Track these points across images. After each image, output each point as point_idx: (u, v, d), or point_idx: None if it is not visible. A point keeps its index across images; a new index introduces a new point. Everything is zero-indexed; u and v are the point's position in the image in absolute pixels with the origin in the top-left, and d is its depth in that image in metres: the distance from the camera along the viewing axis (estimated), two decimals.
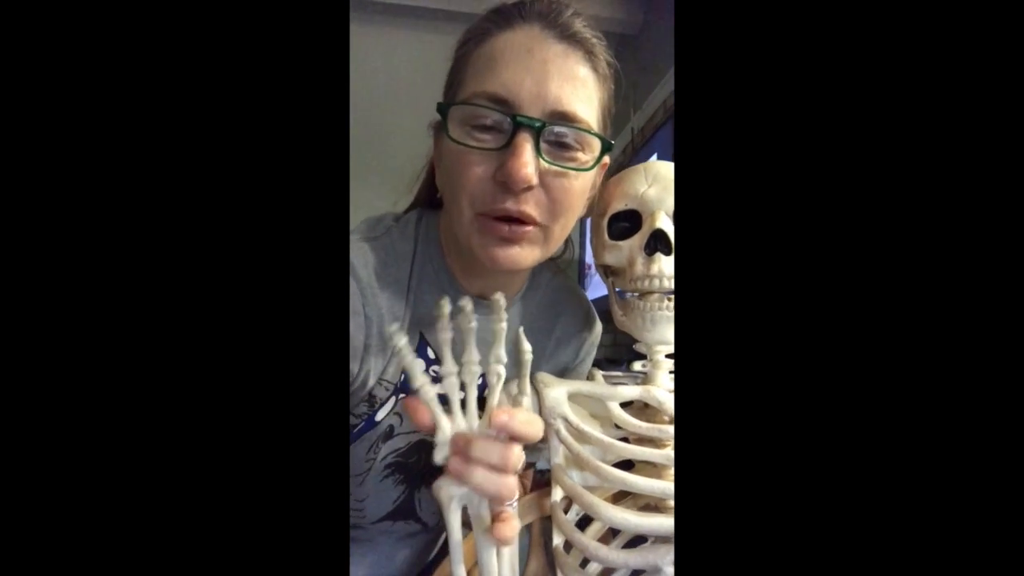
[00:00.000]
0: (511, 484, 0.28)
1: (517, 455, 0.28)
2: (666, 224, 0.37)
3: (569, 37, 0.37)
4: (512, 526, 0.28)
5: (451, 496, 0.27)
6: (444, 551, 0.31)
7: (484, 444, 0.27)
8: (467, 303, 0.26)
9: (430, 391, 0.27)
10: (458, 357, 0.28)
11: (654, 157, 1.55)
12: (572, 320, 0.51)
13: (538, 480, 0.52)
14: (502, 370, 0.28)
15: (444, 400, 0.28)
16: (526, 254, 0.38)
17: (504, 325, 0.27)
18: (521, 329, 0.28)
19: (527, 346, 0.28)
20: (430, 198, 0.48)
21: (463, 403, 0.29)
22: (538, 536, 0.40)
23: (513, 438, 0.28)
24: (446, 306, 0.26)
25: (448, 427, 0.27)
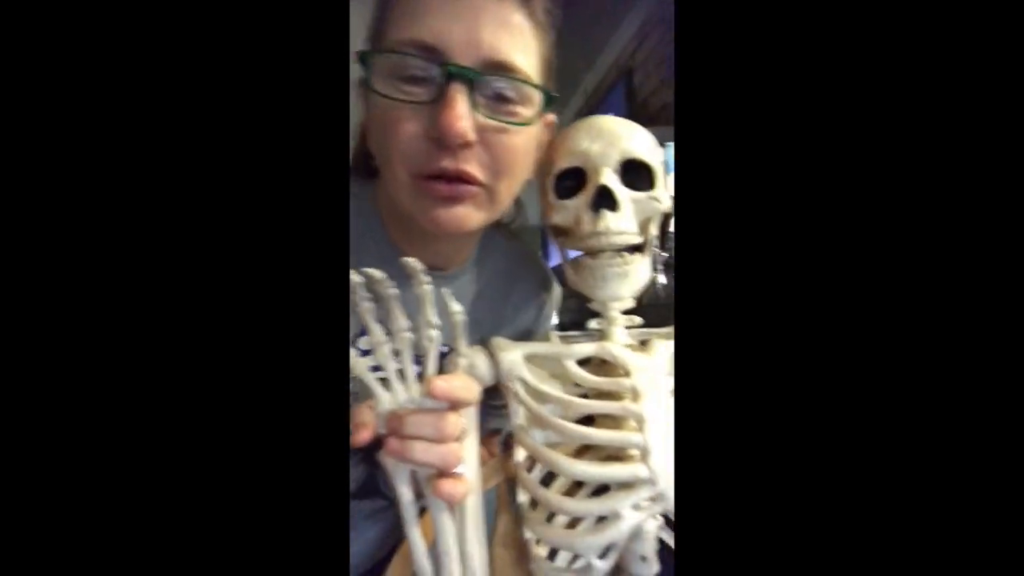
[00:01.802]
0: (453, 451, 0.28)
1: (453, 423, 0.28)
2: (611, 180, 0.36)
3: None
4: (457, 484, 0.28)
5: (397, 464, 0.27)
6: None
7: (417, 418, 0.27)
8: (374, 272, 0.25)
9: (360, 363, 0.26)
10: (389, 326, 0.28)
11: None
12: (529, 285, 0.51)
13: (505, 444, 0.53)
14: (435, 334, 0.28)
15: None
16: (471, 214, 0.36)
17: (428, 288, 0.27)
18: (446, 291, 0.28)
19: (456, 306, 0.27)
20: (367, 164, 0.45)
21: (401, 373, 0.28)
22: (505, 497, 0.41)
23: (451, 405, 0.28)
24: (355, 277, 0.25)
25: (387, 398, 0.27)
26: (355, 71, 0.36)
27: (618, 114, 0.41)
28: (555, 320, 0.57)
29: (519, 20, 0.35)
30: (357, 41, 0.35)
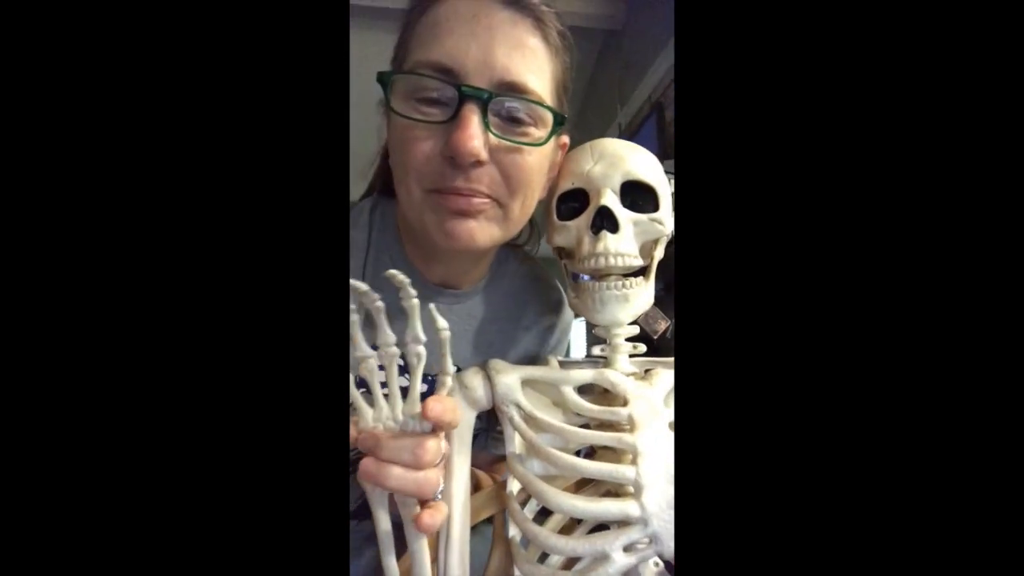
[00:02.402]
0: (430, 479, 0.27)
1: (433, 449, 0.27)
2: (611, 201, 0.36)
3: (515, 4, 0.35)
4: (435, 513, 0.27)
5: (374, 487, 0.26)
6: (405, 546, 0.30)
7: (395, 443, 0.26)
8: (359, 284, 0.25)
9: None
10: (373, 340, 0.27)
11: None
12: (540, 308, 0.50)
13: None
14: (421, 350, 0.27)
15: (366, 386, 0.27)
16: (484, 230, 0.36)
17: (415, 302, 0.26)
18: (432, 307, 0.27)
19: (442, 322, 0.27)
20: (386, 184, 0.46)
21: (386, 389, 0.28)
22: (500, 530, 0.39)
23: (434, 428, 0.27)
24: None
25: (369, 413, 0.26)
26: (376, 91, 0.38)
27: (649, 145, 0.40)
28: (583, 343, 0.55)
29: (534, 43, 0.36)
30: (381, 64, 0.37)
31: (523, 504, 0.36)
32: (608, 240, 0.35)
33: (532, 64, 0.35)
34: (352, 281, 0.26)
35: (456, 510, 0.34)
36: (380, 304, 0.26)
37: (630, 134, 1.77)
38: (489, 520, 0.40)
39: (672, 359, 0.38)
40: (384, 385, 0.28)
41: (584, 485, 0.38)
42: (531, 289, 0.50)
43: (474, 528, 0.36)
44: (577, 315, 0.39)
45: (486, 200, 0.35)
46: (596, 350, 0.38)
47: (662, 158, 0.41)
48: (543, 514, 0.36)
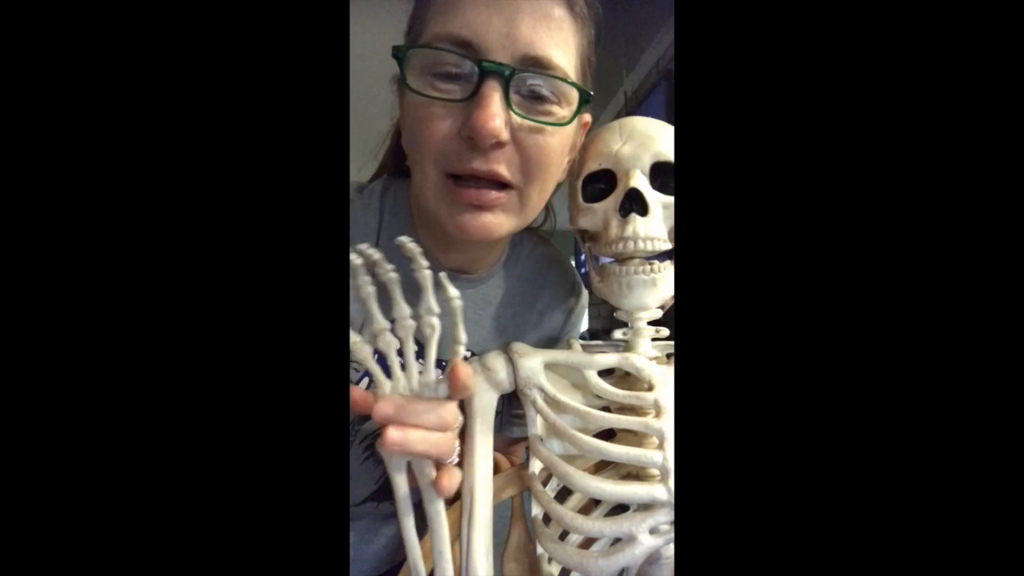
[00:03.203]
0: (450, 441, 0.28)
1: (453, 412, 0.27)
2: (641, 183, 0.34)
3: None
4: (452, 477, 0.28)
5: (394, 454, 0.27)
6: (425, 525, 0.30)
7: (419, 407, 0.26)
8: (373, 252, 0.25)
9: (363, 350, 0.26)
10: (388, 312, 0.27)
11: None
12: (556, 291, 0.50)
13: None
14: (435, 321, 0.27)
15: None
16: (499, 222, 0.35)
17: (427, 273, 0.26)
18: (444, 275, 0.27)
19: (453, 292, 0.27)
20: (397, 165, 0.45)
21: (403, 360, 0.28)
22: (519, 509, 0.39)
23: (451, 394, 0.27)
24: (356, 259, 0.24)
25: (388, 386, 0.27)
26: (388, 66, 0.36)
27: (657, 116, 0.39)
28: (585, 327, 0.55)
29: (559, 14, 0.33)
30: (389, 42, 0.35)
31: (544, 483, 0.36)
32: (638, 223, 0.34)
33: (557, 37, 0.33)
34: (365, 247, 0.25)
35: (480, 490, 0.34)
36: (394, 275, 0.26)
37: (637, 102, 1.72)
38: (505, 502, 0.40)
39: None
40: (400, 356, 0.28)
41: (602, 467, 0.38)
42: (546, 272, 0.49)
43: None
44: (602, 299, 0.38)
45: (502, 193, 0.34)
46: (618, 333, 0.38)
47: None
48: (560, 495, 0.36)
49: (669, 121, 0.37)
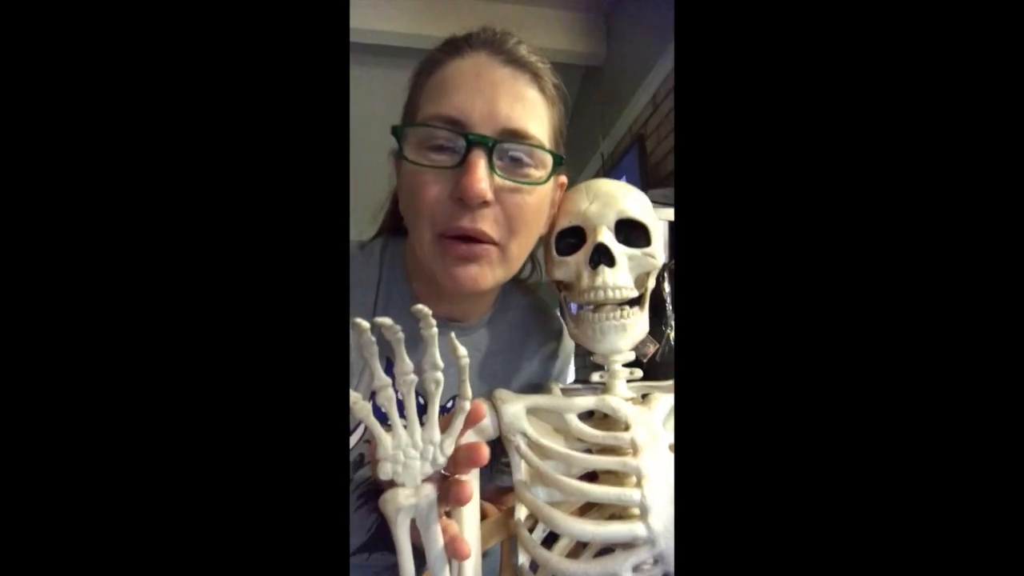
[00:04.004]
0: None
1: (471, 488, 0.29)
2: (608, 238, 0.38)
3: (515, 62, 0.39)
4: (464, 488, 0.29)
5: (399, 509, 0.27)
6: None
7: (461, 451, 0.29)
8: (384, 320, 0.27)
9: (364, 407, 0.27)
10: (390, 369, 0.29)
11: (623, 179, 1.60)
12: (542, 337, 0.52)
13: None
14: (439, 376, 0.28)
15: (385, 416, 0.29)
16: (486, 274, 0.39)
17: (434, 331, 0.28)
18: (453, 335, 0.29)
19: (462, 350, 0.28)
20: (395, 225, 0.49)
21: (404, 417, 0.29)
22: (508, 557, 0.39)
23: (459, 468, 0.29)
24: (363, 324, 0.26)
25: (388, 441, 0.27)
26: (387, 142, 0.41)
27: (631, 175, 0.44)
28: (572, 375, 0.57)
29: (532, 95, 0.40)
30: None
31: (531, 530, 0.37)
32: (606, 274, 0.37)
33: (532, 113, 0.39)
34: (377, 319, 0.27)
35: (468, 539, 0.35)
36: (401, 335, 0.28)
37: (613, 164, 1.83)
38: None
39: (669, 382, 0.40)
40: (402, 413, 0.29)
41: (588, 509, 0.39)
42: (533, 320, 0.52)
43: None
44: (577, 344, 0.41)
45: (488, 245, 0.38)
46: (595, 376, 0.40)
47: (644, 187, 0.44)
48: (549, 540, 0.37)
49: (643, 177, 0.41)
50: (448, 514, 0.34)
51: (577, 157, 2.29)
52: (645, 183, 1.40)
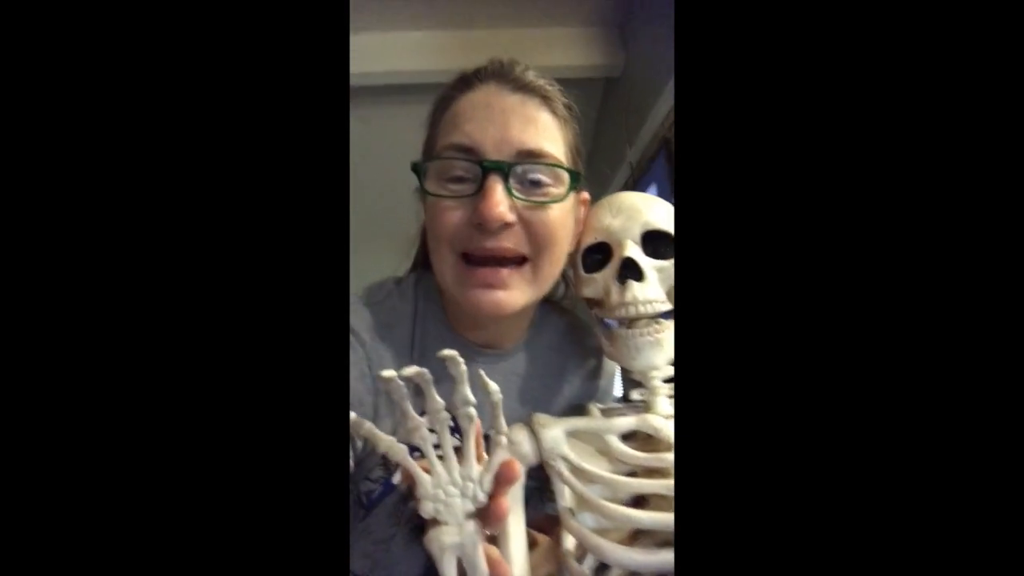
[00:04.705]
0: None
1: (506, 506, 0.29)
2: (634, 252, 0.37)
3: (523, 88, 0.40)
4: (503, 504, 0.28)
5: (443, 548, 0.27)
6: None
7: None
8: (409, 369, 0.26)
9: (401, 450, 0.27)
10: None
11: (653, 187, 1.57)
12: (582, 358, 0.51)
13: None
14: (472, 412, 0.28)
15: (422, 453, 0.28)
16: (513, 297, 0.39)
17: (464, 369, 0.28)
18: (482, 372, 0.28)
19: (493, 386, 0.28)
20: (426, 260, 0.50)
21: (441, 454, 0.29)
22: None
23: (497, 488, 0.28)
24: (389, 374, 0.26)
25: (428, 480, 0.27)
26: (412, 181, 0.42)
27: (661, 180, 0.43)
28: (619, 392, 0.55)
29: (544, 117, 0.40)
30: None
31: (580, 559, 0.35)
32: (635, 289, 0.36)
33: (545, 134, 0.39)
34: (404, 371, 0.27)
35: (516, 570, 0.34)
36: (430, 378, 0.28)
37: (642, 171, 1.81)
38: None
39: None
40: (438, 450, 0.29)
41: (639, 536, 0.37)
42: (572, 340, 0.51)
43: None
44: (613, 362, 0.40)
45: (511, 269, 0.38)
46: (635, 395, 0.39)
47: (675, 189, 0.42)
48: (601, 569, 0.35)
49: (670, 179, 0.40)
50: (493, 540, 0.34)
51: (607, 166, 2.29)
52: (674, 186, 1.37)
